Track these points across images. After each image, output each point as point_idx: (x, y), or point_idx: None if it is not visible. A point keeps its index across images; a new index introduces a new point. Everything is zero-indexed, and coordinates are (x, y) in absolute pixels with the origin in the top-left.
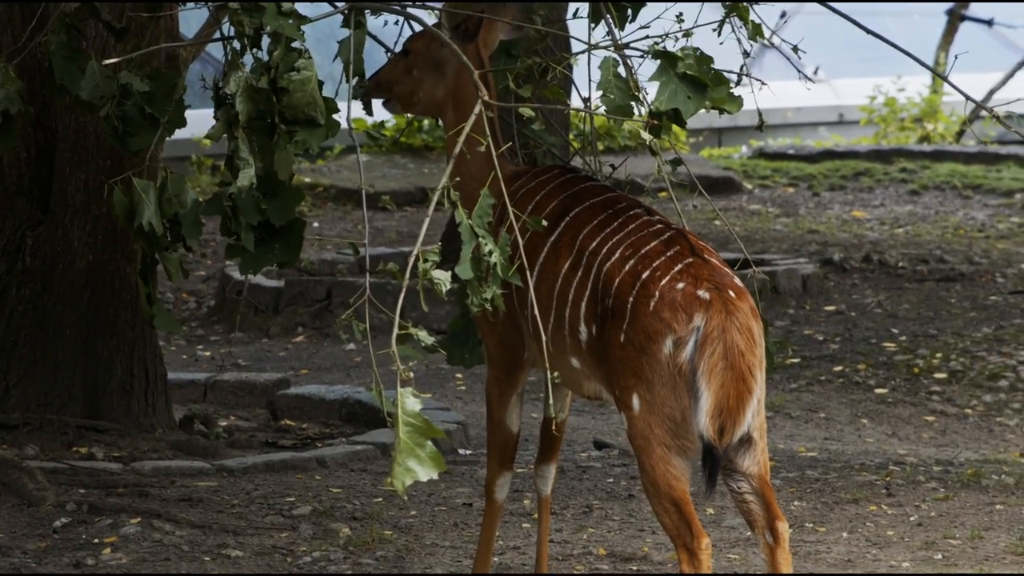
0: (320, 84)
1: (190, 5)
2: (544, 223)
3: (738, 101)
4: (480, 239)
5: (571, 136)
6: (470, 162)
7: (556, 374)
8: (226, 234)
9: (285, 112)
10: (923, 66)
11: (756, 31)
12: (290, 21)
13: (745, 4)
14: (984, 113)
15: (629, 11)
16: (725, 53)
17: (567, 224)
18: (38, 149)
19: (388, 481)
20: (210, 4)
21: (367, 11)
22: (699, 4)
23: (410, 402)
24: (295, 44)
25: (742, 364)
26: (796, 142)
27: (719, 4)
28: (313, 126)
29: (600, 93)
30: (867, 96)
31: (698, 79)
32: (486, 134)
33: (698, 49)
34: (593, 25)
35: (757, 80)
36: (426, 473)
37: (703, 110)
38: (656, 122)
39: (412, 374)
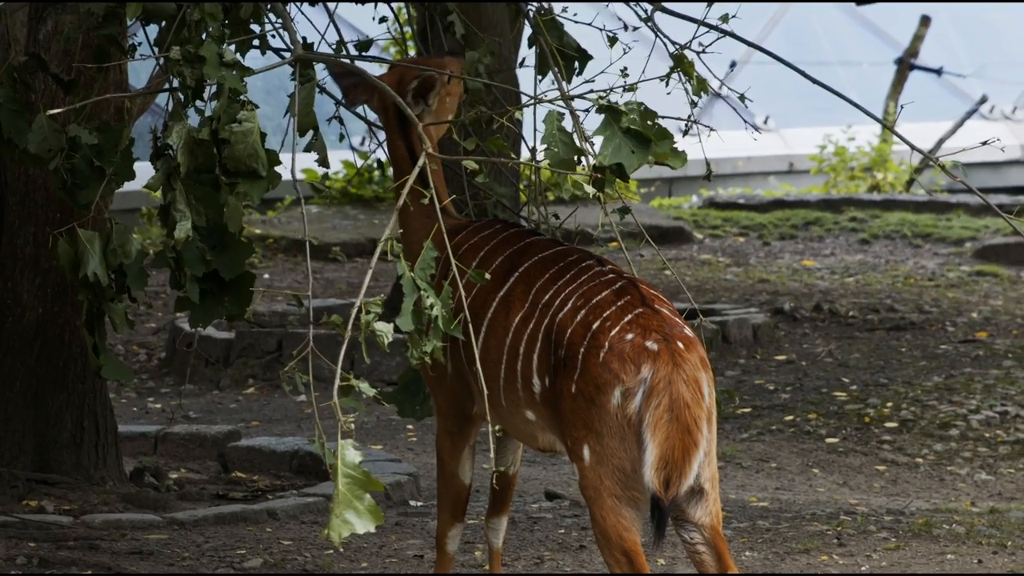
0: (263, 136)
1: (138, 56)
2: (488, 276)
3: (682, 156)
4: (422, 292)
5: (521, 187)
6: (413, 215)
7: (498, 428)
8: (176, 287)
9: (227, 164)
10: (871, 117)
11: (701, 86)
12: (233, 72)
13: (689, 61)
14: (942, 160)
15: (576, 64)
16: (673, 102)
17: (518, 277)
18: None
19: (324, 533)
20: (158, 56)
21: (315, 63)
22: (645, 58)
23: (350, 454)
24: (240, 96)
25: (687, 416)
26: (746, 192)
27: (665, 57)
28: (254, 178)
29: (544, 148)
30: (817, 145)
31: (642, 134)
32: (430, 187)
33: (642, 104)
34: (540, 77)
35: (706, 127)
36: (363, 526)
37: (647, 165)
38: (600, 176)
39: (353, 426)
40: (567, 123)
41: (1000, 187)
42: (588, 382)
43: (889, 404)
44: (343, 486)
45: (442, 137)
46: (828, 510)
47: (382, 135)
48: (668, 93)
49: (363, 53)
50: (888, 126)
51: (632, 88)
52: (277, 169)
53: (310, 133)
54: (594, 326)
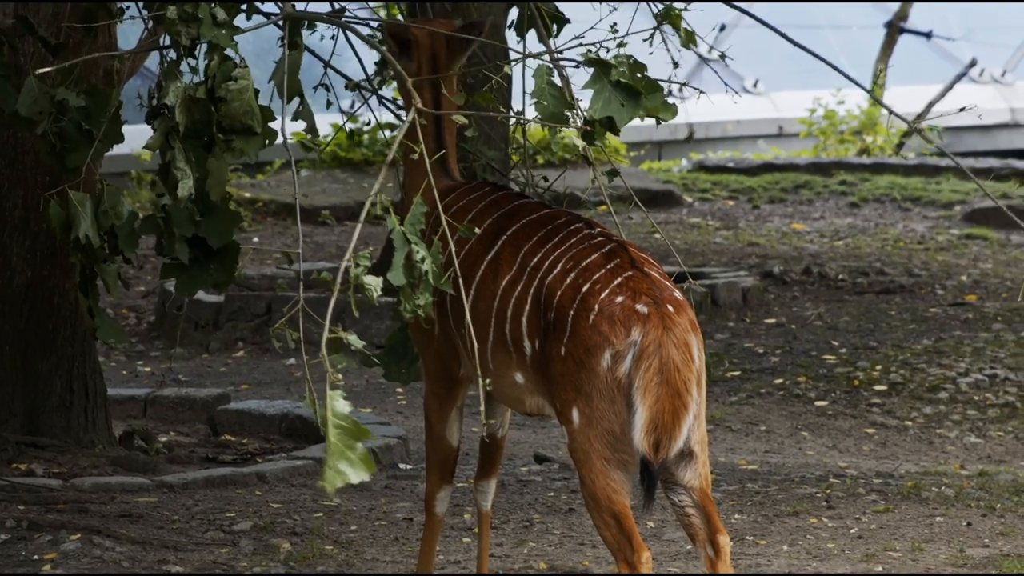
0: (256, 93)
1: (127, 17)
2: (476, 230)
3: (672, 109)
4: (412, 245)
5: (510, 150)
6: (416, 171)
7: (488, 381)
8: (161, 253)
9: (223, 121)
10: (857, 85)
11: (689, 38)
12: (223, 32)
13: (677, 12)
14: (923, 125)
15: (555, 26)
16: (661, 65)
17: (506, 240)
18: None
19: (320, 483)
20: (147, 16)
21: (303, 26)
22: (632, 12)
23: (339, 404)
24: (230, 54)
25: (677, 379)
26: (736, 155)
27: (651, 13)
28: (250, 135)
29: (534, 101)
30: (806, 109)
31: (632, 87)
32: (419, 142)
33: (631, 57)
34: (518, 39)
35: (696, 89)
36: (357, 475)
37: (639, 120)
38: (590, 129)
39: (340, 376)
40: (556, 78)
41: (990, 151)
42: (577, 345)
43: (878, 367)
44: (334, 436)
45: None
46: (817, 473)
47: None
48: (651, 53)
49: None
50: (873, 95)
51: (622, 43)
52: (270, 126)
53: (296, 100)
54: (584, 289)
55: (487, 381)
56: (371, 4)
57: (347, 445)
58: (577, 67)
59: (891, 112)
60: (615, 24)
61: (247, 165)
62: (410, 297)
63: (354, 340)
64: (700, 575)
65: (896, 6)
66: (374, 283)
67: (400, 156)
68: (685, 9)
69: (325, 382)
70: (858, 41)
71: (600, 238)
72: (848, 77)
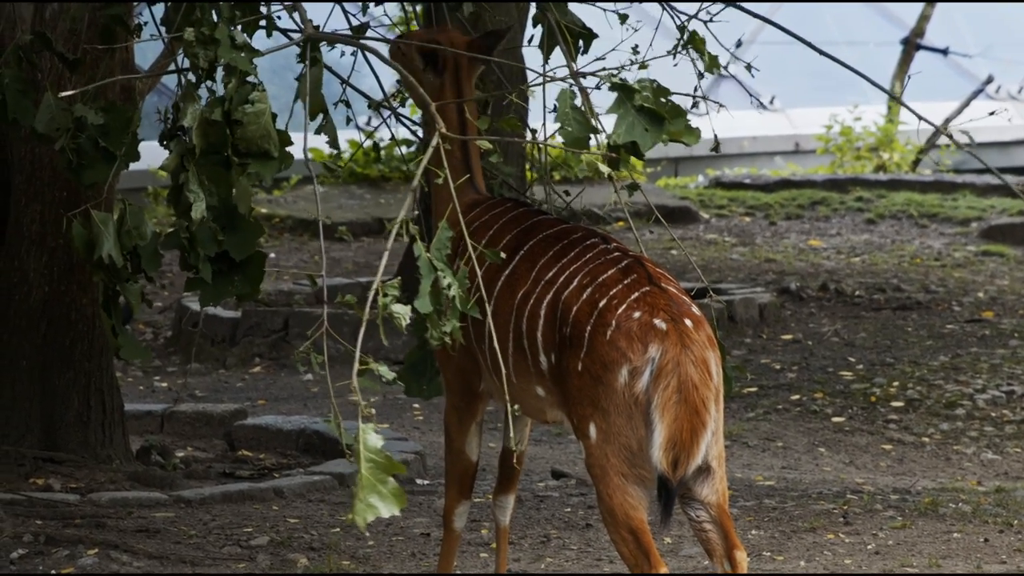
0: (273, 116)
1: (146, 37)
2: (503, 256)
3: (696, 133)
4: (439, 272)
5: (527, 167)
6: (437, 193)
7: (516, 407)
8: (185, 268)
9: (239, 144)
10: (879, 88)
11: (712, 63)
12: (243, 54)
13: (701, 37)
14: (940, 142)
15: (581, 42)
16: (679, 81)
17: (523, 256)
18: None
19: (349, 517)
20: (165, 36)
21: (323, 44)
22: (651, 38)
23: (372, 438)
24: (248, 77)
25: (696, 397)
26: (752, 172)
27: (669, 37)
28: (267, 158)
29: (558, 125)
30: (823, 125)
31: (655, 111)
32: (444, 166)
33: (655, 81)
34: (545, 59)
35: (715, 103)
36: (388, 509)
37: (661, 143)
38: (615, 155)
39: (374, 410)
40: (579, 101)
41: (1007, 167)
42: (595, 360)
43: (895, 383)
44: (366, 470)
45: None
46: (834, 489)
47: (387, 114)
48: (675, 65)
49: (366, 34)
50: (898, 99)
51: (644, 65)
52: (287, 149)
53: (320, 116)
54: (600, 304)
55: (516, 407)
56: (388, 13)
57: (379, 479)
58: (598, 87)
59: (923, 119)
60: (637, 46)
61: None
62: (437, 324)
63: (385, 372)
64: None
65: (912, 23)
66: (403, 311)
67: (422, 180)
68: (709, 21)
69: (347, 400)
70: (874, 57)
71: (616, 253)
72: (876, 84)
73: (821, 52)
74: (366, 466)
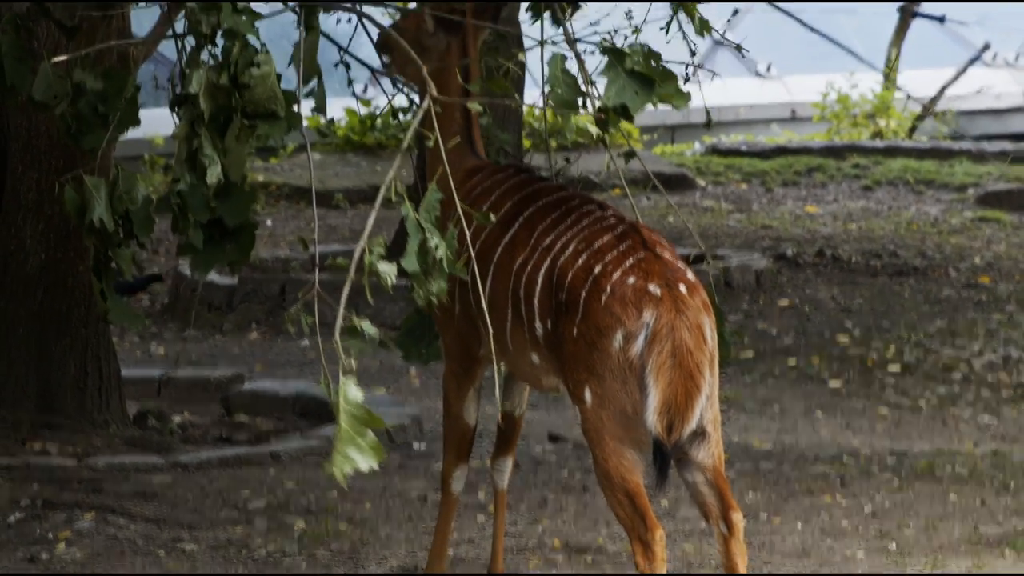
0: (278, 78)
1: (142, 4)
2: (492, 218)
3: (686, 96)
4: (426, 233)
5: (523, 134)
6: (433, 157)
7: (503, 366)
8: (176, 232)
9: (247, 107)
10: (871, 67)
11: (704, 26)
12: (244, 18)
13: (692, 1)
14: (937, 109)
15: (568, 9)
16: (674, 51)
17: (522, 224)
18: None
19: (327, 469)
20: (163, 3)
21: (320, 11)
22: (646, 7)
23: (352, 391)
24: (251, 40)
25: (690, 362)
26: (749, 139)
27: (664, 7)
28: (274, 119)
29: (548, 89)
30: (820, 93)
31: (646, 75)
32: (435, 130)
33: (646, 45)
34: (532, 20)
35: (710, 72)
36: (366, 462)
37: (652, 105)
38: (604, 117)
39: (354, 364)
40: (571, 65)
41: (1003, 134)
42: (590, 326)
43: (892, 348)
44: (345, 423)
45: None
46: (831, 452)
47: (385, 82)
48: (668, 41)
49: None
50: (889, 76)
51: (637, 30)
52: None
53: (313, 81)
54: (596, 270)
55: (502, 365)
56: None
57: (357, 432)
58: (592, 53)
59: (911, 97)
60: (630, 11)
61: (262, 148)
62: (423, 284)
63: (368, 327)
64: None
65: None
66: (389, 270)
67: (414, 142)
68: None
69: (339, 366)
70: (871, 25)
71: (613, 220)
72: (866, 62)
73: (811, 28)
74: (345, 419)
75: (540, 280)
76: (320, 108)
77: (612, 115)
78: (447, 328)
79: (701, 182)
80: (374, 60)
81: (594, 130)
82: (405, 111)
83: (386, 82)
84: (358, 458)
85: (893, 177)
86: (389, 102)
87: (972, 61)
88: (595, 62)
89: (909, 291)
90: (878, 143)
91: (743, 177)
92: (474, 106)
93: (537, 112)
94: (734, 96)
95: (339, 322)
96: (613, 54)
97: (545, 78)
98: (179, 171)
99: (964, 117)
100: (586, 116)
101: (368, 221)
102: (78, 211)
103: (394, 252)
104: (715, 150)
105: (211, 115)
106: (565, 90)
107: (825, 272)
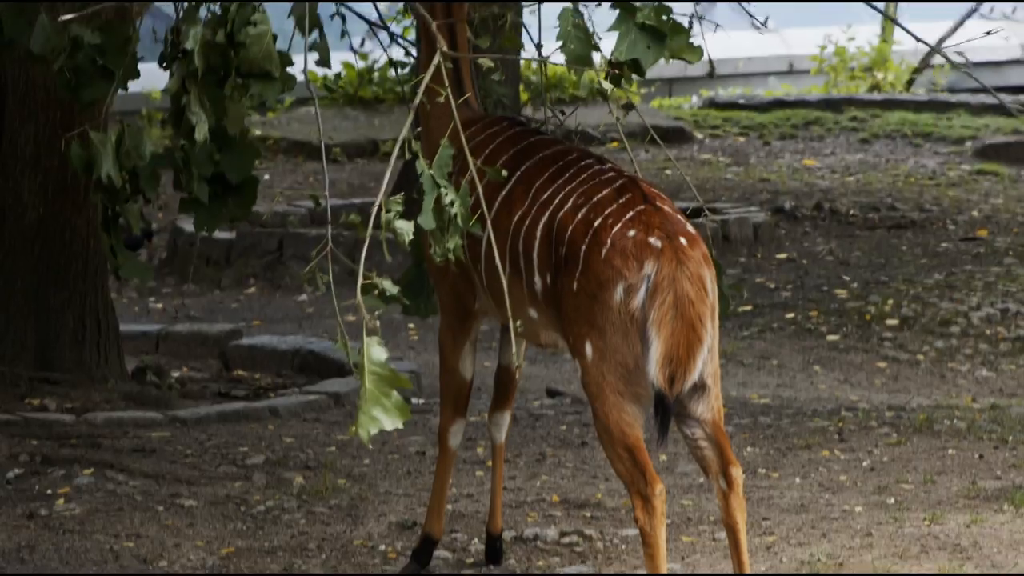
0: (274, 37)
1: None
2: (504, 173)
3: (698, 51)
4: (441, 189)
5: (520, 87)
6: (431, 113)
7: (519, 323)
8: (179, 189)
9: (241, 66)
10: (874, 8)
11: None
12: None
13: None
14: (934, 62)
15: None
16: (676, 5)
17: (519, 177)
18: None
19: (352, 430)
20: None
21: None
22: None
23: (376, 351)
24: None
25: (692, 313)
26: (746, 92)
27: None
28: (268, 79)
29: (559, 44)
30: (817, 46)
31: (657, 29)
32: (445, 85)
33: None
34: None
35: (712, 23)
36: (391, 422)
37: (664, 60)
38: (617, 71)
39: (377, 323)
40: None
41: (1000, 86)
42: (590, 279)
43: (890, 302)
44: (370, 383)
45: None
46: (829, 406)
47: (383, 36)
48: None
49: None
50: (894, 20)
51: None
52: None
53: (315, 33)
54: (596, 223)
55: (519, 323)
56: None
57: (383, 392)
58: (599, 4)
59: (919, 40)
60: None
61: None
62: (440, 241)
63: (389, 286)
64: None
65: None
66: (406, 228)
67: (411, 96)
68: None
69: (347, 321)
70: None
71: (611, 174)
72: (871, 4)
73: None
74: (370, 379)
75: (539, 235)
76: (324, 61)
77: (625, 70)
78: (442, 282)
79: (699, 135)
80: (371, 13)
81: (607, 86)
82: (403, 66)
83: (383, 36)
84: (383, 418)
85: (891, 130)
86: (389, 58)
87: (970, 14)
88: (599, 17)
89: (907, 244)
90: (876, 96)
91: (741, 130)
92: (485, 63)
93: (534, 66)
94: (732, 49)
95: (360, 281)
96: (624, 7)
97: (557, 33)
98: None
99: (960, 70)
100: (599, 72)
101: (384, 179)
102: (85, 167)
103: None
104: (713, 103)
105: (204, 72)
106: (578, 44)
107: (823, 225)
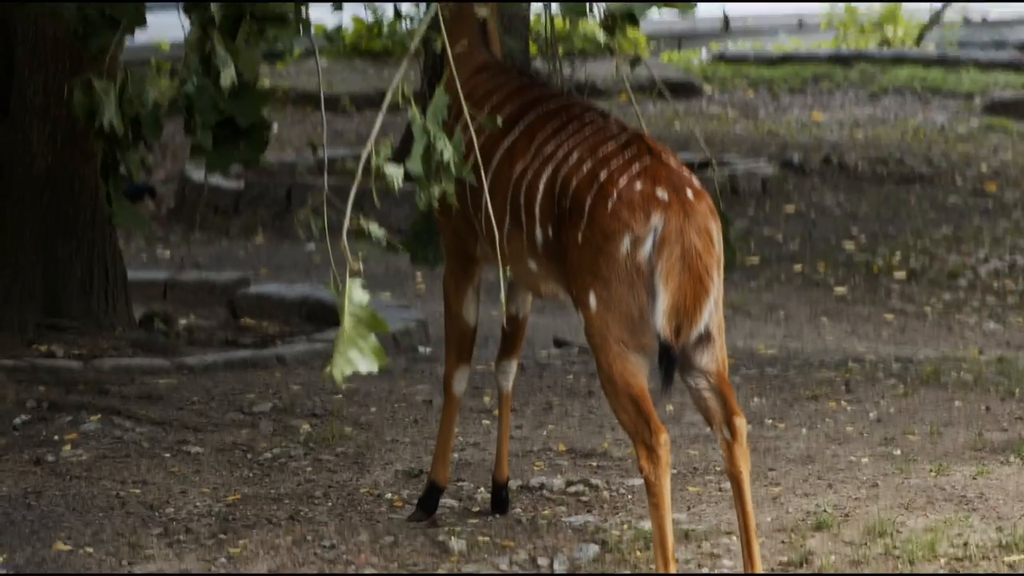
0: None
1: None
2: (499, 121)
3: (691, 2)
4: (432, 136)
5: (530, 40)
6: (455, 59)
7: (509, 270)
8: (189, 133)
9: (255, 11)
10: None
11: None
12: None
13: None
14: (945, 19)
15: None
16: None
17: (523, 130)
18: None
19: (327, 371)
20: None
21: None
22: None
23: (357, 293)
24: None
25: (699, 265)
26: (756, 46)
27: None
28: (283, 22)
29: None
30: (827, 2)
31: None
32: (443, 33)
33: None
34: None
35: None
36: (366, 365)
37: (656, 11)
38: (610, 22)
39: (361, 266)
40: None
41: (1011, 42)
42: (596, 231)
43: (898, 254)
44: (348, 325)
45: None
46: (836, 358)
47: None
48: None
49: None
50: None
51: None
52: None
53: None
54: (601, 176)
55: (507, 269)
56: None
57: (360, 334)
58: None
59: None
60: None
61: (269, 53)
62: (426, 187)
63: (375, 229)
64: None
65: None
66: (395, 172)
67: (421, 47)
68: None
69: (346, 269)
70: None
71: (615, 128)
72: None
73: None
74: (349, 320)
75: (541, 188)
76: (337, 3)
77: (620, 20)
78: (445, 227)
79: (708, 89)
80: None
81: (602, 36)
82: (411, 19)
83: None
84: (359, 360)
85: (900, 85)
86: (397, 12)
87: None
88: None
89: (915, 198)
90: (885, 51)
91: (750, 84)
92: (482, 10)
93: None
94: (742, 6)
95: (346, 223)
96: None
97: None
98: (185, 73)
99: (966, 27)
100: (594, 23)
101: (375, 124)
102: (87, 114)
103: (401, 155)
104: (722, 58)
105: (222, 17)
106: None
107: (831, 179)
